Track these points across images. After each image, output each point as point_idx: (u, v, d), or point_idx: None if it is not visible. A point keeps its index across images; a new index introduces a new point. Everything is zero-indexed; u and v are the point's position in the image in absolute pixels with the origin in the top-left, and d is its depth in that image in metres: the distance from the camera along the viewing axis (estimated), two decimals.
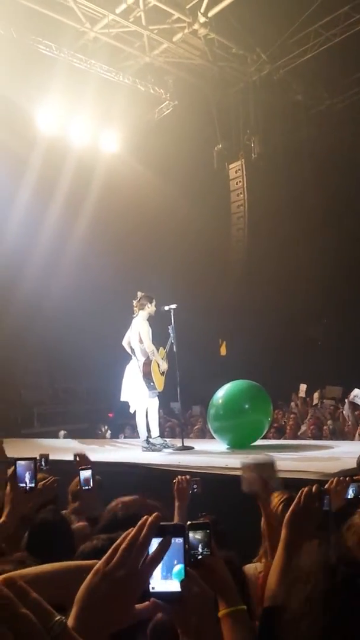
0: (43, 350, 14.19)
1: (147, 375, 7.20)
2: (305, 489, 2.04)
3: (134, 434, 9.24)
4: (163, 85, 14.32)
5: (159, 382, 7.32)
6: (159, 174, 14.26)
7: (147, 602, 1.05)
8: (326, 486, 2.96)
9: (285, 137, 15.52)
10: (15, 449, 6.74)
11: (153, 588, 1.06)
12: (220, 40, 13.26)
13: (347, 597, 1.05)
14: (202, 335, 13.29)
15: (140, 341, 7.28)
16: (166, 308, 7.32)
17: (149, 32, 12.48)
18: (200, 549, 1.40)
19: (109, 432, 11.53)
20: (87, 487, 3.47)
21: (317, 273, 15.00)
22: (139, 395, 7.34)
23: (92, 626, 0.93)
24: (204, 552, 1.40)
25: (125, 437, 10.69)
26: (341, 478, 3.17)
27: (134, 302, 7.48)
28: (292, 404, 11.30)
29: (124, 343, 7.52)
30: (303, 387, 11.09)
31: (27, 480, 2.34)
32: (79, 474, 3.48)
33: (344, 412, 9.57)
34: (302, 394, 11.10)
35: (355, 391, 9.04)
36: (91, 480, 3.46)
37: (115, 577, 0.99)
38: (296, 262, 14.95)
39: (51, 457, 4.06)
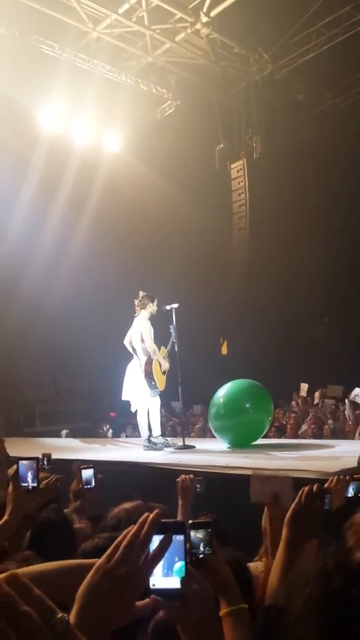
0: (45, 350, 14.20)
1: (149, 375, 7.21)
2: (306, 488, 2.04)
3: (136, 433, 9.26)
4: (165, 85, 14.32)
5: (161, 381, 7.33)
6: (161, 174, 14.26)
7: (147, 599, 1.05)
8: (326, 485, 2.96)
9: (287, 137, 15.50)
10: (18, 448, 6.76)
11: (154, 585, 1.07)
12: (222, 40, 13.25)
13: (342, 605, 1.05)
14: (203, 334, 13.29)
15: (142, 340, 7.29)
16: (168, 307, 7.33)
17: (151, 32, 12.47)
18: (201, 548, 1.40)
19: (110, 431, 11.53)
20: (89, 486, 3.48)
21: (319, 273, 14.99)
22: (140, 394, 7.35)
23: (93, 623, 0.94)
24: (206, 551, 1.41)
25: (126, 436, 10.71)
26: (341, 477, 3.17)
27: (136, 302, 7.49)
28: (293, 403, 11.30)
29: (126, 342, 7.52)
30: (304, 386, 11.09)
31: (29, 479, 2.35)
32: (80, 473, 3.50)
33: (344, 411, 9.57)
34: (303, 393, 11.10)
35: (356, 390, 9.05)
36: (93, 480, 3.47)
37: (116, 574, 0.99)
38: (298, 262, 14.94)
39: (53, 457, 4.08)
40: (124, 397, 7.52)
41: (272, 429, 8.32)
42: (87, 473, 3.49)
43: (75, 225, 13.94)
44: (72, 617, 0.91)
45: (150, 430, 7.41)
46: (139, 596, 1.03)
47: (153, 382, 7.23)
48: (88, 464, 3.71)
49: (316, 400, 10.98)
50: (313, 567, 1.13)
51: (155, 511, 1.07)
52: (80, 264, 13.63)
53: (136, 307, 7.49)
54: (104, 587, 0.98)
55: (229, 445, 6.88)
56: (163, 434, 7.81)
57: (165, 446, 7.30)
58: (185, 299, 8.52)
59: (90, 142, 13.92)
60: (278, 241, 14.78)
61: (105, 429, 11.62)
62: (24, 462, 2.38)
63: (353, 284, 14.39)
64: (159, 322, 7.50)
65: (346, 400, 9.52)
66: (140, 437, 7.71)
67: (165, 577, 1.09)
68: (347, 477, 3.17)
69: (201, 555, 1.40)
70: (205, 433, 9.68)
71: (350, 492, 3.06)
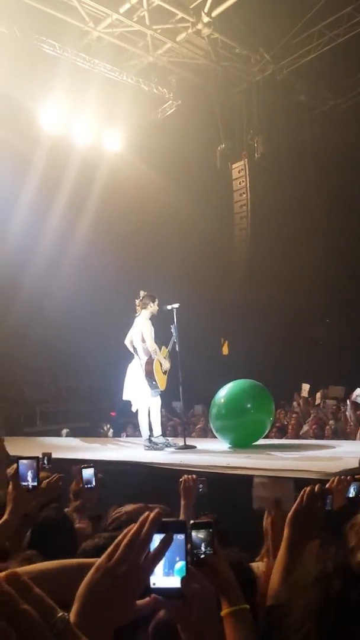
0: (45, 349, 14.20)
1: (150, 375, 7.20)
2: (308, 489, 2.04)
3: (136, 432, 9.25)
4: (166, 85, 14.32)
5: (161, 381, 7.32)
6: (162, 174, 14.26)
7: (147, 598, 1.05)
8: (327, 485, 2.95)
9: (289, 137, 15.50)
10: (18, 447, 6.75)
11: (154, 584, 1.06)
12: (223, 40, 13.25)
13: (342, 608, 1.06)
14: (204, 334, 13.29)
15: (143, 340, 7.28)
16: (169, 307, 7.32)
17: (152, 32, 12.47)
18: (203, 548, 1.40)
19: (111, 430, 11.53)
20: (89, 486, 3.47)
21: (320, 273, 14.99)
22: (141, 394, 7.34)
23: (93, 622, 0.93)
24: (207, 551, 1.40)
25: (127, 436, 10.70)
26: (342, 477, 3.16)
27: (137, 301, 7.48)
28: (295, 403, 11.30)
29: (126, 342, 7.52)
30: (306, 386, 11.08)
31: (29, 479, 2.34)
32: (81, 472, 3.49)
33: (346, 412, 9.56)
34: (304, 393, 11.09)
35: (358, 391, 9.04)
36: (93, 479, 3.47)
37: (116, 573, 0.99)
38: (299, 262, 14.94)
39: (54, 456, 4.07)
40: (125, 397, 7.51)
41: (273, 429, 8.31)
42: (87, 472, 3.48)
43: (76, 224, 13.94)
44: (72, 616, 0.90)
45: (151, 430, 7.40)
46: (139, 595, 1.02)
47: (154, 382, 7.22)
48: (88, 463, 3.70)
49: (317, 401, 10.97)
50: (313, 569, 1.13)
51: (156, 510, 1.06)
52: (81, 263, 13.63)
53: (137, 307, 7.48)
54: (105, 585, 0.98)
55: (230, 446, 6.87)
56: (164, 434, 7.80)
57: (166, 446, 7.29)
58: (186, 298, 8.52)
59: (91, 142, 13.91)
60: (279, 241, 14.78)
61: (105, 428, 11.62)
62: (24, 461, 2.37)
63: (354, 284, 14.39)
64: (160, 321, 7.49)
65: (347, 401, 9.51)
66: (140, 436, 7.70)
67: (166, 577, 1.08)
68: (348, 478, 3.17)
69: (202, 556, 1.39)
70: (206, 433, 9.67)
71: (352, 493, 3.06)
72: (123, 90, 13.49)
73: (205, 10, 12.01)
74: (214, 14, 12.09)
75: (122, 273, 13.01)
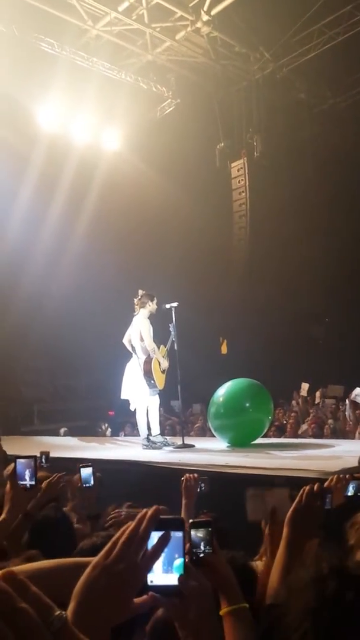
0: (44, 348, 14.18)
1: (148, 373, 7.20)
2: (307, 488, 2.03)
3: (134, 431, 9.24)
4: (165, 83, 14.31)
5: (160, 380, 7.31)
6: (161, 172, 14.25)
7: (145, 596, 1.04)
8: (326, 484, 2.95)
9: (288, 136, 15.51)
10: (15, 446, 6.76)
11: (151, 582, 1.06)
12: (223, 38, 13.24)
13: (337, 609, 1.07)
14: (203, 333, 13.29)
15: (141, 339, 7.27)
16: (167, 306, 7.32)
17: (151, 30, 12.46)
18: (202, 547, 1.39)
19: (109, 429, 11.53)
20: (87, 485, 3.46)
21: (319, 272, 15.01)
22: (139, 393, 7.33)
23: (90, 620, 0.93)
24: (206, 550, 1.39)
25: (125, 435, 10.69)
26: (341, 475, 3.16)
27: (135, 300, 7.47)
28: (293, 402, 11.30)
29: (125, 341, 7.51)
30: (305, 385, 11.08)
31: (27, 478, 2.33)
32: (79, 471, 3.48)
33: (345, 411, 9.56)
34: (303, 392, 11.09)
35: (357, 390, 9.03)
36: (92, 478, 3.46)
37: (114, 571, 0.98)
38: (299, 261, 14.94)
39: (52, 455, 4.06)
40: (123, 396, 7.50)
41: (272, 428, 8.31)
42: (85, 472, 3.47)
43: (75, 223, 13.92)
44: (69, 614, 0.89)
45: (149, 429, 7.39)
46: (137, 593, 1.02)
47: (152, 381, 7.22)
48: (86, 462, 3.69)
49: (317, 400, 10.98)
50: (310, 570, 1.13)
51: (154, 507, 1.05)
52: (79, 262, 13.61)
53: (135, 306, 7.47)
54: (102, 583, 0.97)
55: (228, 445, 6.87)
56: (162, 433, 7.80)
57: (164, 445, 7.29)
58: (185, 297, 8.51)
59: (90, 140, 13.91)
60: (278, 240, 14.78)
61: (104, 427, 11.62)
62: (22, 460, 2.36)
63: (353, 283, 14.40)
64: (158, 320, 7.48)
65: (347, 400, 9.52)
66: (139, 435, 7.69)
67: (165, 574, 1.08)
68: (347, 476, 3.16)
69: (202, 555, 1.39)
70: (204, 432, 9.67)
71: (350, 491, 3.05)
72: (122, 88, 13.48)
73: (205, 8, 12.01)
74: (213, 12, 12.09)
75: (121, 272, 13.01)
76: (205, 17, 12.14)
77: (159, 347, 7.31)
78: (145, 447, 7.26)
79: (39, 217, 13.23)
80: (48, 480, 3.05)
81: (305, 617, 1.07)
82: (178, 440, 7.49)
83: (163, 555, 1.04)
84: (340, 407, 10.18)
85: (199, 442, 7.65)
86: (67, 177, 13.47)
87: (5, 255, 12.45)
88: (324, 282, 14.98)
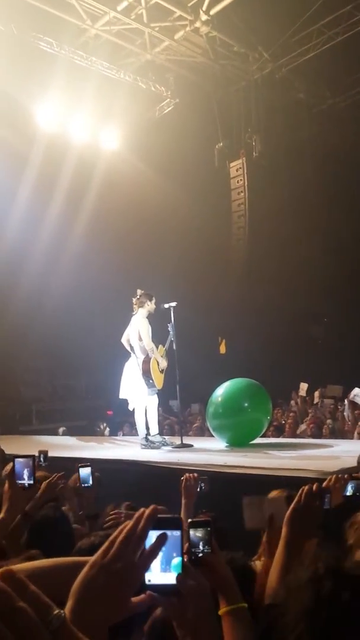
0: (44, 348, 14.18)
1: (146, 373, 7.19)
2: (306, 488, 2.03)
3: (133, 431, 9.23)
4: (164, 83, 14.30)
5: (158, 379, 7.31)
6: (159, 172, 14.24)
7: (143, 595, 1.04)
8: (324, 484, 2.95)
9: (287, 136, 15.51)
10: (14, 445, 6.75)
11: (149, 581, 1.06)
12: (222, 38, 13.24)
13: (332, 609, 1.07)
14: (202, 333, 13.29)
15: (140, 339, 7.26)
16: (166, 306, 7.31)
17: (150, 30, 12.46)
18: (201, 547, 1.39)
19: (107, 429, 11.52)
20: (86, 485, 3.46)
21: (318, 272, 15.01)
22: (138, 392, 7.32)
23: (88, 619, 0.92)
24: (205, 550, 1.39)
25: (124, 435, 10.69)
26: (340, 475, 3.16)
27: (134, 300, 7.46)
28: (292, 402, 11.30)
29: (123, 340, 7.50)
30: (304, 385, 11.07)
31: (25, 477, 2.33)
32: (78, 471, 3.48)
33: (344, 411, 9.56)
34: (302, 392, 11.08)
35: (356, 390, 9.02)
36: (90, 478, 3.45)
37: (112, 570, 0.98)
38: (297, 261, 14.94)
39: (50, 454, 4.05)
40: (122, 396, 7.49)
41: (270, 428, 8.31)
42: (84, 471, 3.47)
43: (74, 222, 13.92)
44: (66, 613, 0.89)
45: (147, 428, 7.39)
46: (134, 592, 1.01)
47: (151, 381, 7.21)
48: (85, 462, 3.69)
49: (315, 400, 10.97)
50: (307, 571, 1.13)
51: (152, 506, 1.05)
52: (78, 261, 13.62)
53: (134, 305, 7.46)
54: (100, 582, 0.97)
55: (227, 444, 6.86)
56: (161, 433, 7.79)
57: (163, 445, 7.28)
58: (183, 297, 8.51)
59: (89, 140, 13.90)
60: (277, 240, 14.79)
61: (102, 427, 11.61)
62: (20, 459, 2.36)
63: (353, 283, 14.40)
64: (157, 320, 7.48)
65: (345, 400, 9.51)
66: (137, 435, 7.68)
67: (163, 573, 1.08)
68: (346, 476, 3.16)
69: (200, 554, 1.38)
70: (203, 432, 9.67)
71: (349, 491, 3.05)
72: (120, 88, 13.47)
73: (204, 8, 12.00)
74: (212, 12, 12.08)
75: (119, 271, 13.00)
76: (204, 17, 12.13)
77: (157, 347, 7.30)
78: (143, 446, 7.25)
79: (37, 216, 13.23)
80: (47, 480, 3.05)
81: (301, 618, 1.07)
82: (176, 440, 7.49)
83: (161, 554, 1.04)
84: (339, 407, 10.18)
85: (198, 442, 7.64)
86: (65, 176, 13.46)
87: (4, 254, 12.45)
88: (322, 282, 14.99)
